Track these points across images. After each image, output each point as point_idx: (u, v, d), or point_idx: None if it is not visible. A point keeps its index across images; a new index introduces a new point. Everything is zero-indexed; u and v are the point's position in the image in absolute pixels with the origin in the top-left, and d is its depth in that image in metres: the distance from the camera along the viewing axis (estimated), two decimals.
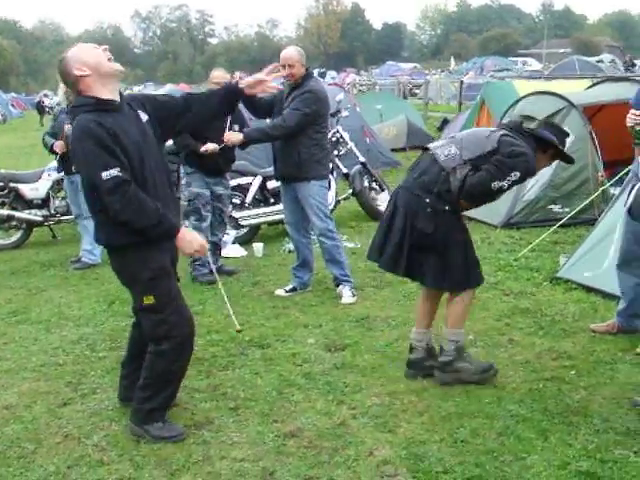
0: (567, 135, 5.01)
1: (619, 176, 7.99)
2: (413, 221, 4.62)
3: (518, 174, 4.53)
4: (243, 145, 6.89)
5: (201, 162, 7.41)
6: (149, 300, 4.06)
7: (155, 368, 4.18)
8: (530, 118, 9.63)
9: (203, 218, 7.52)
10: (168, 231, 3.98)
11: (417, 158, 4.99)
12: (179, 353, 4.17)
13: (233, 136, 6.76)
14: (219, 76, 7.46)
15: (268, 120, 6.97)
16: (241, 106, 7.38)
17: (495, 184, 4.51)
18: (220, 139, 6.97)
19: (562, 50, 62.29)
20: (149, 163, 3.98)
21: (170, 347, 4.11)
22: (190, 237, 4.06)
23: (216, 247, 7.82)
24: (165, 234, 3.99)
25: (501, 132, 4.70)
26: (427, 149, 4.87)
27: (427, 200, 4.60)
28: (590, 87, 11.24)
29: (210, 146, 7.23)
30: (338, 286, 6.84)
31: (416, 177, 4.73)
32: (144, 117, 4.09)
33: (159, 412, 4.25)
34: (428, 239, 4.62)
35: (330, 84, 20.49)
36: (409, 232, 4.63)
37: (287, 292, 6.99)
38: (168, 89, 37.08)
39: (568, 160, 5.06)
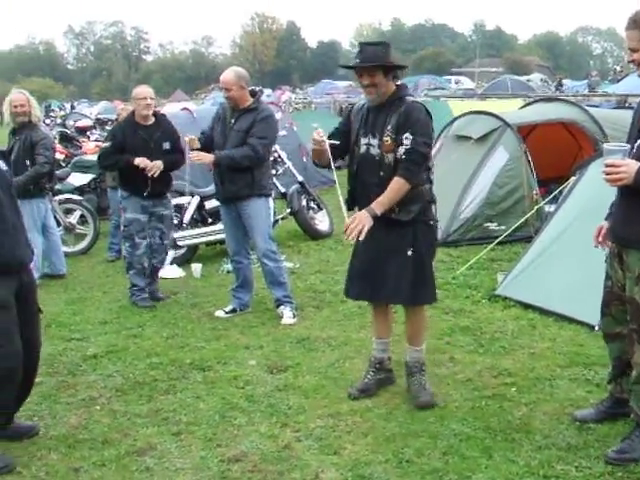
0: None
1: (553, 194, 8.14)
2: None
3: None
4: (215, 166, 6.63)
5: (136, 185, 7.20)
6: None
7: None
8: (466, 138, 9.79)
9: (136, 245, 7.33)
10: (5, 266, 4.08)
11: None
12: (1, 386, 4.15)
13: (204, 156, 6.48)
14: (142, 92, 7.15)
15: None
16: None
17: None
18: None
19: (494, 69, 63.45)
20: None
21: None
22: None
23: (154, 271, 7.62)
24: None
25: None
26: None
27: None
28: (524, 107, 11.47)
29: (140, 161, 7.03)
30: (279, 307, 6.79)
31: None
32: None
33: None
34: None
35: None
36: None
37: (227, 313, 6.90)
38: (102, 106, 36.65)
39: None
